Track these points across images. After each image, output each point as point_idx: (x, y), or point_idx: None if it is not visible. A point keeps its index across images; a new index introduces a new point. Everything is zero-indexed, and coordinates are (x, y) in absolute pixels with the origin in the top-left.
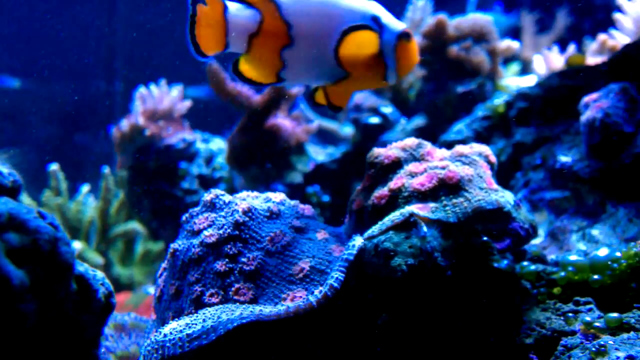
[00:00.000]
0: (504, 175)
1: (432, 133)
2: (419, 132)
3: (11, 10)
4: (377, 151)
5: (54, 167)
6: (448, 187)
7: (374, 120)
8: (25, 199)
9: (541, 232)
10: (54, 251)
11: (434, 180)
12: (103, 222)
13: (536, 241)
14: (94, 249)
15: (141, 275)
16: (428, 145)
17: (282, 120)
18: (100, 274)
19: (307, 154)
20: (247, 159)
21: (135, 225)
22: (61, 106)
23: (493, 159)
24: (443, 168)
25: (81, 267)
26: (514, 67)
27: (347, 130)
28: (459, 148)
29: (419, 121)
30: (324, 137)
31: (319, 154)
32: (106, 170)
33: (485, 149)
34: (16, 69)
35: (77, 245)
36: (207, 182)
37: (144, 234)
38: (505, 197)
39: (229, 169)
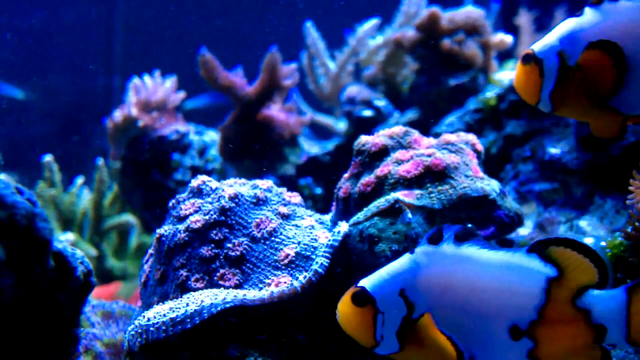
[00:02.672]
0: (494, 167)
1: (425, 126)
2: (412, 126)
3: (11, 4)
4: (364, 139)
5: (48, 158)
6: (434, 175)
7: (367, 113)
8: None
9: (530, 223)
10: (31, 226)
11: (420, 167)
12: (96, 214)
13: (524, 232)
14: (87, 241)
15: (135, 268)
16: (415, 133)
17: (275, 112)
18: (79, 252)
19: (300, 147)
20: (239, 150)
21: (128, 217)
22: (59, 101)
23: (480, 147)
24: (429, 156)
25: (59, 245)
26: (511, 65)
27: (342, 125)
28: (446, 136)
29: (412, 114)
30: (320, 132)
31: (313, 148)
32: (100, 161)
33: (472, 137)
34: (15, 66)
35: (69, 236)
36: (200, 174)
37: (138, 226)
38: (491, 185)
39: (221, 160)
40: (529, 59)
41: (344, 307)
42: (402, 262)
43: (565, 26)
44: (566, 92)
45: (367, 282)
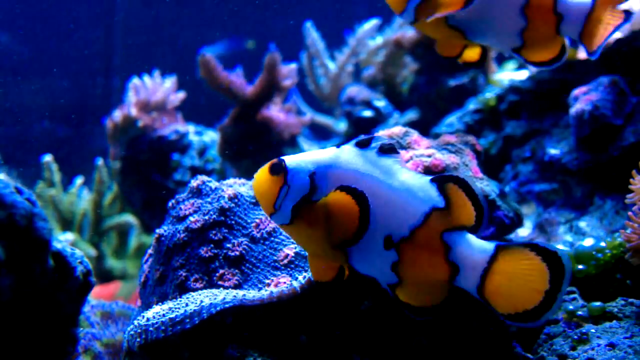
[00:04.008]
0: (494, 167)
1: (425, 127)
2: (411, 126)
3: (11, 4)
4: None
5: (48, 158)
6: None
7: (367, 113)
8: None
9: (529, 224)
10: (30, 226)
11: (420, 167)
12: (96, 214)
13: (524, 233)
14: (86, 241)
15: (135, 268)
16: (414, 134)
17: (275, 112)
18: (78, 252)
19: (300, 147)
20: (239, 150)
21: (128, 218)
22: (59, 101)
23: (479, 147)
24: (429, 156)
25: (59, 244)
26: (510, 65)
27: (342, 125)
28: (445, 137)
29: (412, 115)
30: (320, 133)
31: (313, 148)
32: (100, 161)
33: (471, 137)
34: (15, 66)
35: (69, 236)
36: (200, 174)
37: (137, 226)
38: (491, 186)
39: (221, 161)
40: None
41: (261, 172)
42: (326, 151)
43: None
44: (428, 8)
45: (288, 158)
